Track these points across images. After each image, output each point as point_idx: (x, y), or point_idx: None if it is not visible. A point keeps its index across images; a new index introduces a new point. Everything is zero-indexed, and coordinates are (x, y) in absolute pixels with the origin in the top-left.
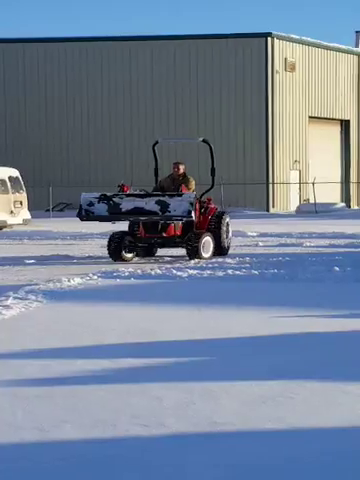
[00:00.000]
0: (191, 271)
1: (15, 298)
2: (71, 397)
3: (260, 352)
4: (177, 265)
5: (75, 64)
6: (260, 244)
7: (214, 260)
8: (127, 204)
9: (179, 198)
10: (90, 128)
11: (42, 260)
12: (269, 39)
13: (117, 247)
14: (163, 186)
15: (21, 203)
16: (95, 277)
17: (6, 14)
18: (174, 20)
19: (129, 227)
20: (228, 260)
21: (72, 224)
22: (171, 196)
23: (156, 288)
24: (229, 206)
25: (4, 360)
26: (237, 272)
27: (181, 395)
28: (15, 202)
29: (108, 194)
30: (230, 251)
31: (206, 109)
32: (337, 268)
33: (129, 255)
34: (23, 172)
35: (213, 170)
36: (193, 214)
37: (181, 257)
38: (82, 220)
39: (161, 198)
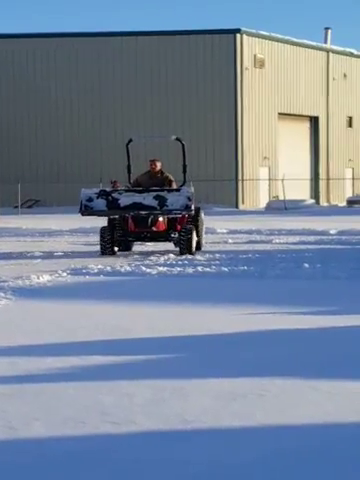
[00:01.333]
0: (161, 268)
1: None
2: (40, 395)
3: (230, 349)
4: (146, 262)
5: (44, 58)
6: (230, 241)
7: (184, 257)
8: (125, 199)
9: (177, 193)
10: (59, 123)
11: (11, 257)
12: (238, 35)
13: (110, 242)
14: (140, 183)
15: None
16: (64, 274)
17: None
18: (142, 16)
19: (111, 221)
20: (198, 257)
21: (41, 221)
22: (169, 191)
23: (125, 285)
24: (199, 203)
25: None
26: (207, 269)
27: (151, 392)
28: None
29: (107, 190)
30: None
31: (175, 105)
32: (307, 265)
33: (116, 249)
34: None
35: (185, 167)
36: (192, 207)
37: (152, 253)
38: (83, 215)
39: (160, 193)
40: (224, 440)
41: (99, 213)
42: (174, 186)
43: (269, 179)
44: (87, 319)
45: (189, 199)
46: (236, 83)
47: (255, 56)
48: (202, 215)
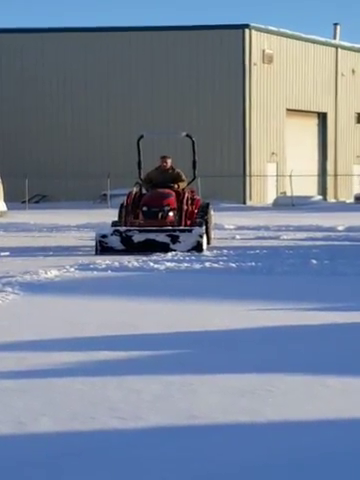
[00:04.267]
0: (168, 264)
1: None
2: (48, 390)
3: (238, 345)
4: (154, 257)
5: (52, 52)
6: (237, 237)
7: (191, 253)
8: (139, 237)
9: (189, 233)
10: (67, 119)
11: (18, 252)
12: (246, 31)
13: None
14: (151, 179)
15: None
16: (72, 269)
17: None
18: (150, 11)
19: (123, 216)
20: (206, 253)
21: (48, 216)
22: (182, 231)
23: (133, 281)
24: (207, 199)
25: None
26: (214, 265)
27: (159, 388)
28: None
29: (121, 229)
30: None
31: (184, 101)
32: (314, 261)
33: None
34: None
35: (195, 163)
36: (204, 247)
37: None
38: (98, 254)
39: (172, 233)
40: (233, 436)
41: (114, 251)
42: (184, 182)
43: (277, 175)
44: (95, 314)
45: (200, 237)
46: (244, 79)
47: (263, 52)
48: (211, 211)
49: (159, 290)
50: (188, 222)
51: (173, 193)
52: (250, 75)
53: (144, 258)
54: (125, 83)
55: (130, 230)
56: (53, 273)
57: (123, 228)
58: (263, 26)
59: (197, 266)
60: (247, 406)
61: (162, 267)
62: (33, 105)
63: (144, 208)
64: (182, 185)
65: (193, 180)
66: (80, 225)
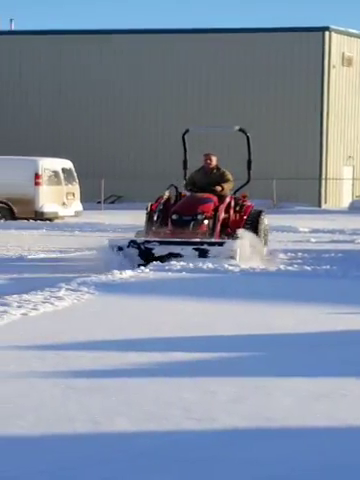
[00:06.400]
0: (243, 266)
1: (67, 289)
2: (123, 390)
3: (313, 348)
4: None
5: (124, 56)
6: (312, 240)
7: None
8: (160, 249)
9: (220, 247)
10: (145, 122)
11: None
12: (327, 33)
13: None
14: (195, 181)
15: (73, 195)
16: (147, 270)
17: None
18: (230, 14)
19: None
20: (280, 255)
21: (123, 216)
22: (212, 244)
23: (208, 282)
24: (281, 201)
25: (56, 351)
26: (289, 268)
27: (233, 390)
28: (67, 194)
29: (138, 240)
30: (281, 246)
31: (261, 103)
32: None
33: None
34: (76, 164)
35: (249, 163)
36: (237, 259)
37: None
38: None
39: (200, 246)
40: (307, 439)
41: (132, 263)
42: (229, 184)
43: (353, 178)
44: (170, 315)
45: (233, 252)
46: (323, 81)
47: (343, 54)
48: (265, 220)
49: (234, 292)
50: (228, 230)
51: (213, 199)
52: (329, 77)
53: None
54: (203, 86)
55: (150, 242)
56: (128, 273)
57: (141, 239)
58: (343, 29)
59: (272, 268)
60: (321, 410)
61: (237, 269)
62: (110, 108)
63: (174, 216)
64: (226, 187)
65: (247, 183)
66: None
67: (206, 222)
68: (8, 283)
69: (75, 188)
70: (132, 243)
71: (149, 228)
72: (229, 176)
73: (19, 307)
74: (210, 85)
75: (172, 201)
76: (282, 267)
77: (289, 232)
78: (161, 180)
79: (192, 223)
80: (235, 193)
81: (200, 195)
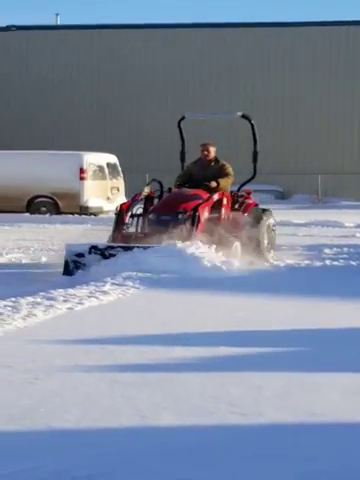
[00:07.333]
0: (288, 261)
1: (113, 284)
2: (169, 384)
3: None
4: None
5: (174, 51)
6: (358, 235)
7: (310, 248)
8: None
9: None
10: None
11: None
12: None
13: None
14: (192, 174)
15: (118, 189)
16: None
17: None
18: (296, 7)
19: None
20: (326, 250)
21: None
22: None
23: (253, 277)
24: (326, 196)
25: (102, 346)
26: (335, 263)
27: (280, 385)
28: (112, 188)
29: (99, 246)
30: (326, 241)
31: (307, 97)
32: None
33: None
34: (121, 158)
35: (255, 155)
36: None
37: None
38: (70, 275)
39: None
40: (354, 437)
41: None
42: (228, 179)
43: None
44: (215, 310)
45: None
46: None
47: None
48: (270, 220)
49: (279, 286)
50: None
51: (204, 196)
52: None
53: None
54: (264, 75)
55: (113, 247)
56: None
57: (103, 244)
58: None
59: (317, 263)
60: None
61: (282, 264)
62: (155, 104)
63: (150, 216)
64: (223, 183)
65: (252, 178)
66: None
67: (189, 222)
68: (54, 278)
69: (120, 183)
70: (93, 248)
71: (118, 231)
72: (229, 170)
73: (65, 301)
74: (256, 81)
75: (156, 199)
76: (328, 262)
77: (334, 227)
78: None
79: (171, 223)
80: (239, 189)
81: (187, 191)
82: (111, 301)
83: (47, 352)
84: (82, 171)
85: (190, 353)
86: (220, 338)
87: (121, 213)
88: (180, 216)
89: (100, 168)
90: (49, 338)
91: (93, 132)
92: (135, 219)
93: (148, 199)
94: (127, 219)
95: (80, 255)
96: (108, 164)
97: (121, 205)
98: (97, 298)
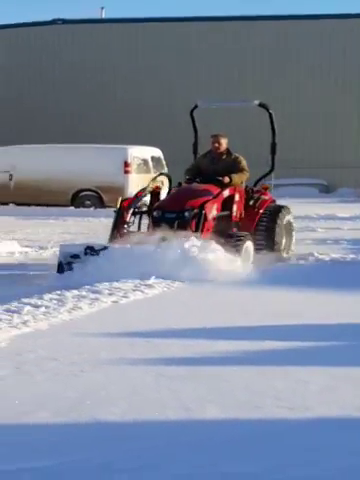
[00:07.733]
0: (334, 255)
1: (157, 277)
2: (214, 378)
3: None
4: (319, 248)
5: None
6: None
7: (354, 242)
8: None
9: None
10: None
11: None
12: None
13: None
14: (201, 168)
15: (162, 183)
16: None
17: None
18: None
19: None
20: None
21: None
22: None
23: (299, 271)
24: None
25: (147, 339)
26: None
27: (325, 379)
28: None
29: (95, 247)
30: None
31: (351, 89)
32: None
33: None
34: (165, 152)
35: (274, 146)
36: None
37: (324, 240)
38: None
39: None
40: None
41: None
42: (244, 175)
43: None
44: (259, 303)
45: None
46: None
47: None
48: (289, 217)
49: (324, 281)
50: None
51: (214, 191)
52: None
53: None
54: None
55: (107, 248)
56: None
57: (99, 245)
58: None
59: None
60: None
61: (327, 258)
62: (200, 95)
63: (154, 213)
64: (236, 178)
65: (270, 172)
66: None
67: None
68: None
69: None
70: (89, 250)
71: (118, 230)
72: (244, 163)
73: (110, 295)
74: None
75: (164, 194)
76: None
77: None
78: (253, 167)
79: (176, 221)
80: (255, 184)
81: (196, 186)
82: (156, 294)
83: (92, 345)
84: (126, 165)
85: (235, 347)
86: (264, 332)
87: (122, 210)
88: (186, 213)
89: (144, 161)
90: (94, 331)
91: (136, 125)
92: (137, 217)
93: (154, 194)
94: (128, 217)
95: (75, 256)
96: (152, 157)
97: (121, 202)
98: (142, 291)
